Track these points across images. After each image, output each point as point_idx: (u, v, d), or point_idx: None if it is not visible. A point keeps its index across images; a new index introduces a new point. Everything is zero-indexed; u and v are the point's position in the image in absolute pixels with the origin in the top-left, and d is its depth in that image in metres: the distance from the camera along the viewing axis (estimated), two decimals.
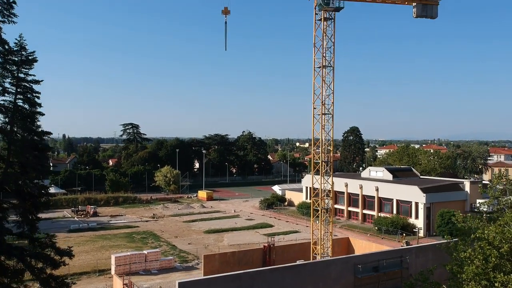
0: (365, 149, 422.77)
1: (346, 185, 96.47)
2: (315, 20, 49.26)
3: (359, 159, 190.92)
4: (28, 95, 26.08)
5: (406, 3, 50.78)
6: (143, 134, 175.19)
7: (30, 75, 25.92)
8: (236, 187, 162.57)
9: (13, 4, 24.35)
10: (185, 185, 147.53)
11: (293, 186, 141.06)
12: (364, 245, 63.05)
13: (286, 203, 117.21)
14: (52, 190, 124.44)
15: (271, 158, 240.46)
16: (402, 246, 72.94)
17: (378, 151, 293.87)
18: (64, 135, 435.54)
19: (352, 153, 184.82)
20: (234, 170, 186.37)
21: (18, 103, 25.92)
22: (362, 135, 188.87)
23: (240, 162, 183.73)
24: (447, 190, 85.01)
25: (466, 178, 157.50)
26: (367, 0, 49.63)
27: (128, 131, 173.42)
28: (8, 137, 25.12)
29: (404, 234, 76.65)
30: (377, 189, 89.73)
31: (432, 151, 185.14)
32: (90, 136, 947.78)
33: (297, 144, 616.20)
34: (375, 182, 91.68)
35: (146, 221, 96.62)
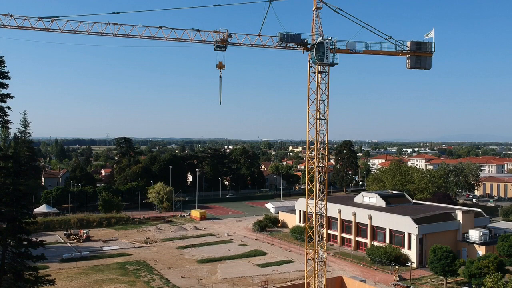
0: (358, 154, 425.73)
1: (340, 211, 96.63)
2: (309, 73, 49.29)
3: (352, 172, 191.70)
4: (23, 209, 25.94)
5: (399, 54, 50.89)
6: (136, 148, 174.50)
7: (23, 187, 25.78)
8: (230, 203, 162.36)
9: (7, 110, 24.21)
10: (178, 201, 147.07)
11: (286, 204, 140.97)
12: (357, 286, 63.34)
13: (279, 224, 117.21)
14: (44, 209, 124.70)
15: (264, 168, 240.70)
16: (395, 280, 73.40)
17: (371, 161, 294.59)
18: (56, 140, 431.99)
19: (345, 166, 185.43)
20: (227, 183, 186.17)
21: (12, 213, 25.81)
22: (355, 149, 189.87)
23: (234, 175, 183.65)
24: (440, 220, 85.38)
25: (458, 194, 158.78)
26: (360, 53, 49.65)
27: (121, 145, 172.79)
28: (2, 249, 24.96)
29: (397, 267, 76.90)
30: (370, 217, 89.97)
31: (424, 168, 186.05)
32: (82, 137, 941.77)
33: (290, 148, 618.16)
34: (368, 210, 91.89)
35: (139, 247, 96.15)
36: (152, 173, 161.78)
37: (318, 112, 48.76)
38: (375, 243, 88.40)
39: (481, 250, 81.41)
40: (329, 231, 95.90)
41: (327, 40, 47.05)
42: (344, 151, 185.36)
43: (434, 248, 72.96)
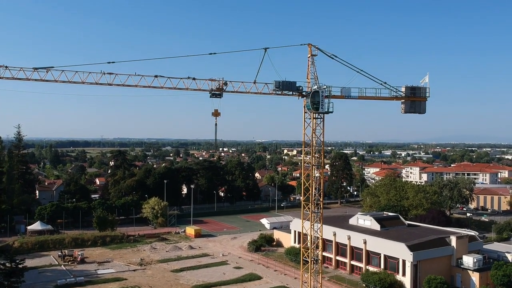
0: (353, 158, 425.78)
1: (334, 234, 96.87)
2: (304, 118, 49.44)
3: (347, 183, 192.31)
4: None
5: (394, 99, 51.13)
6: (131, 160, 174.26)
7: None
8: (225, 216, 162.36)
9: None
10: (173, 214, 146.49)
11: (281, 219, 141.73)
12: None
13: (274, 243, 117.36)
14: (38, 226, 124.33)
15: (258, 176, 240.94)
16: None
17: (366, 169, 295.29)
18: (50, 145, 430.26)
19: (340, 178, 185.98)
20: (222, 194, 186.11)
21: None
22: (349, 161, 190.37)
23: (229, 187, 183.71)
24: (434, 246, 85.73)
25: (452, 207, 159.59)
26: (355, 98, 49.85)
27: (116, 157, 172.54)
28: None
29: None
30: (365, 242, 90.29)
31: (418, 177, 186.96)
32: (76, 138, 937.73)
33: (285, 151, 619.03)
34: (363, 234, 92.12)
35: (134, 270, 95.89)
36: (147, 187, 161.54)
37: (314, 159, 48.88)
38: (370, 268, 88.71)
39: (475, 277, 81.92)
40: (324, 253, 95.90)
41: (322, 89, 47.19)
42: (339, 163, 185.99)
43: (429, 279, 73.51)
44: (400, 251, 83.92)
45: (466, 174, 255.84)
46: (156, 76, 45.72)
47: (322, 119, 49.03)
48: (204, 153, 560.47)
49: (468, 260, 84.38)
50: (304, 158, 49.85)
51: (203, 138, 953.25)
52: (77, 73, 44.64)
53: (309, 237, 50.51)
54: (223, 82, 46.71)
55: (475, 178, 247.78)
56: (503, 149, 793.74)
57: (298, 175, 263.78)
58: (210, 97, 47.41)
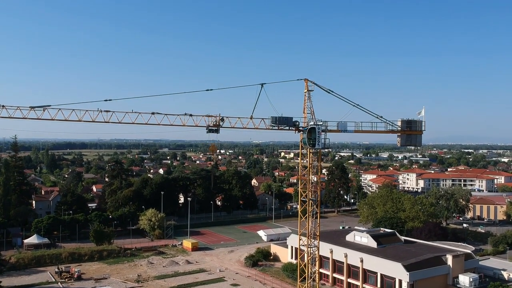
0: (350, 161, 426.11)
1: (331, 251, 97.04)
2: (301, 153, 49.58)
3: (344, 192, 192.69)
4: None
5: (390, 133, 51.33)
6: (128, 171, 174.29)
7: None
8: (222, 227, 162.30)
9: None
10: (170, 226, 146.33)
11: (278, 231, 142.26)
12: None
13: (271, 257, 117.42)
14: (35, 240, 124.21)
15: (255, 183, 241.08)
16: None
17: (363, 175, 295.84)
18: (47, 150, 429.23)
19: (337, 187, 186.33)
20: (219, 203, 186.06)
21: None
22: (346, 170, 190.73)
23: (226, 196, 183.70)
24: (430, 265, 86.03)
25: (448, 218, 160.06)
26: (351, 132, 50.03)
27: (112, 167, 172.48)
28: None
29: None
30: (361, 260, 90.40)
31: (415, 183, 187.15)
32: (73, 139, 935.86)
33: (282, 153, 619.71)
34: (359, 252, 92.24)
35: None
36: (144, 197, 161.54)
37: (310, 193, 49.05)
38: (367, 286, 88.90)
39: None
40: (321, 270, 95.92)
41: (318, 126, 47.34)
42: (336, 172, 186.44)
43: None
44: (396, 270, 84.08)
45: (462, 180, 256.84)
46: (153, 113, 45.88)
47: (318, 154, 49.20)
48: (201, 156, 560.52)
49: (464, 280, 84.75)
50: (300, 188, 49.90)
51: (200, 139, 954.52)
52: (73, 111, 44.71)
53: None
54: (220, 118, 46.84)
55: (471, 185, 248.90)
56: (499, 151, 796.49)
57: (295, 180, 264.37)
58: (207, 132, 47.46)
